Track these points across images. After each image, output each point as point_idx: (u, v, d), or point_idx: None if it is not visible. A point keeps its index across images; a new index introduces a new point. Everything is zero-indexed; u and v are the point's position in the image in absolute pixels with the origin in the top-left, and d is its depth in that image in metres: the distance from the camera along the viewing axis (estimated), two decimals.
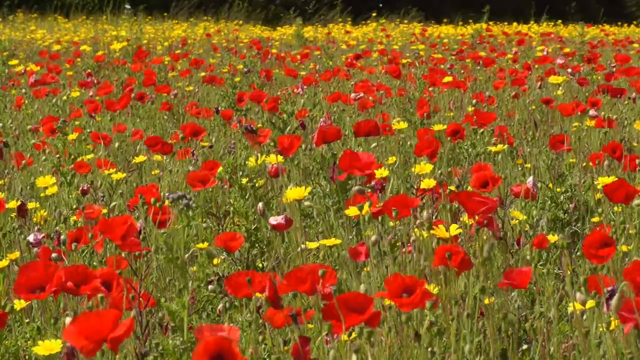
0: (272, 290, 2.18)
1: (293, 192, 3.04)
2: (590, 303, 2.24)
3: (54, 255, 2.61)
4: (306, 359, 2.05)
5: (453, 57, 10.53)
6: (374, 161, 3.25)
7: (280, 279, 2.24)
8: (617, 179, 3.38)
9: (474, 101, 6.30)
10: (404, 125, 4.64)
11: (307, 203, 3.10)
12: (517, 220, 3.19)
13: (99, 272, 2.27)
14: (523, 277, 2.37)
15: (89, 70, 8.61)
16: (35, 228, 3.39)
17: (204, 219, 3.61)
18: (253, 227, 3.41)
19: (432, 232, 2.52)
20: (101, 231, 2.48)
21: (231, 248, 2.88)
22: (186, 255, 2.24)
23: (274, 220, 2.96)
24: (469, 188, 3.45)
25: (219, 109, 6.22)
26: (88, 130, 4.80)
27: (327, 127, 3.74)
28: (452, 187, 3.38)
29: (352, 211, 2.87)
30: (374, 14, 21.25)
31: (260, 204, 3.28)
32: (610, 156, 4.00)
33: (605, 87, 6.40)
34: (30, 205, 3.56)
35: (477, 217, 2.57)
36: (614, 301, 2.09)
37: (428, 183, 3.22)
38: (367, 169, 3.24)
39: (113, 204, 3.65)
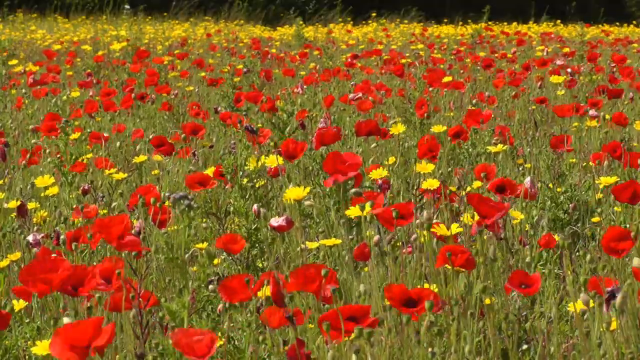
0: (276, 288, 2.17)
1: (292, 193, 3.03)
2: (591, 303, 2.24)
3: (53, 255, 2.61)
4: None
5: (452, 57, 10.52)
6: (359, 163, 3.20)
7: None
8: (618, 178, 3.38)
9: (474, 101, 6.30)
10: (403, 127, 4.64)
11: (307, 202, 3.09)
12: (518, 220, 3.19)
13: (98, 268, 2.27)
14: (532, 282, 2.39)
15: (89, 71, 8.61)
16: (35, 228, 3.39)
17: (204, 219, 3.60)
18: (253, 227, 3.40)
19: (432, 230, 2.52)
20: (97, 231, 2.47)
21: (232, 250, 2.88)
22: (186, 255, 2.24)
23: (275, 221, 2.95)
24: (473, 186, 3.45)
25: (219, 109, 6.22)
26: (88, 130, 4.79)
27: (324, 129, 3.71)
28: (453, 188, 3.38)
29: (353, 211, 2.86)
30: (374, 14, 21.24)
31: (255, 206, 3.27)
32: (610, 155, 4.00)
33: (603, 88, 6.39)
34: (31, 205, 3.56)
35: (485, 220, 2.57)
36: (618, 299, 2.08)
37: (431, 183, 3.22)
38: (352, 170, 3.17)
39: (114, 203, 3.65)
